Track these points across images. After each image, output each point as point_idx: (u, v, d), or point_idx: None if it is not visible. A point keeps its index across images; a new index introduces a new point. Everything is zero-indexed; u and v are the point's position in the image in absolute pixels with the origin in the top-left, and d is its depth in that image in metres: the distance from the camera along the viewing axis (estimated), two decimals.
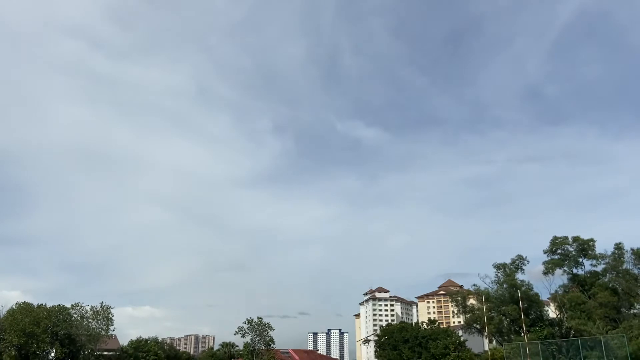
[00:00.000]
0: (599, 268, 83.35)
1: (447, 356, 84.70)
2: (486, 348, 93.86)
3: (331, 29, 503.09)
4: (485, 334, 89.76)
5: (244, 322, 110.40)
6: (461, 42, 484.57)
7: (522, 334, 77.38)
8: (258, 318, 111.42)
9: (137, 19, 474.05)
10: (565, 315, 78.61)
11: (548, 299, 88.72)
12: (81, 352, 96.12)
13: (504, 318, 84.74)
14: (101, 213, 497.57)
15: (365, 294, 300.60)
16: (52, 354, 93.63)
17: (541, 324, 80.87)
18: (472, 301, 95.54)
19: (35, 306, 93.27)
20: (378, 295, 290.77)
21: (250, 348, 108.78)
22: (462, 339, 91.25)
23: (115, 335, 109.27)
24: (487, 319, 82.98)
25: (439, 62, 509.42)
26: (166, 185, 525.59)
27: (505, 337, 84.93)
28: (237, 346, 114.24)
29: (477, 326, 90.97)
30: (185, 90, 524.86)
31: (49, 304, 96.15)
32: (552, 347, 71.90)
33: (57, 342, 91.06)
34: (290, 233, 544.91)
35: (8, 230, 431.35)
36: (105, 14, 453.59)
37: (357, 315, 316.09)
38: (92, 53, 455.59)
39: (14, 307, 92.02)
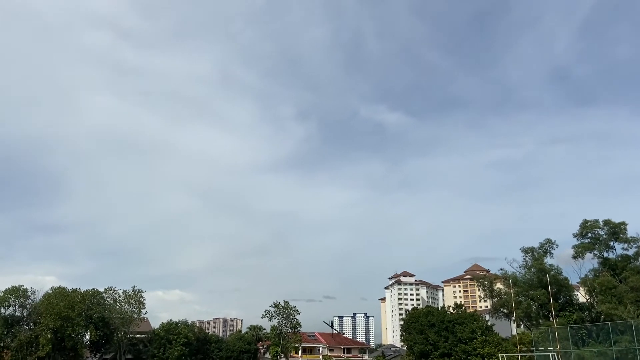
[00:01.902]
0: (631, 252, 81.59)
1: (474, 340, 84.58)
2: (514, 332, 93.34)
3: (354, 12, 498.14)
4: (513, 318, 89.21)
5: (271, 306, 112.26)
6: (487, 22, 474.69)
7: (551, 319, 76.64)
8: (284, 302, 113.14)
9: (162, 8, 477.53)
10: (596, 300, 77.45)
11: (578, 283, 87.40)
12: (115, 334, 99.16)
13: (532, 302, 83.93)
14: (131, 200, 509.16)
15: (390, 278, 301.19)
16: (87, 337, 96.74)
17: (570, 309, 79.91)
18: (499, 285, 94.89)
19: (70, 290, 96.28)
20: (403, 279, 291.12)
21: (277, 331, 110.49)
22: (489, 323, 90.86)
23: (147, 319, 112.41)
24: (514, 304, 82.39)
25: (464, 43, 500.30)
26: (193, 172, 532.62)
27: (534, 322, 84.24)
28: (265, 329, 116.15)
29: (505, 311, 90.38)
30: (210, 78, 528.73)
31: (83, 289, 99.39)
32: (581, 332, 71.16)
33: (92, 325, 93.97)
34: (314, 218, 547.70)
35: (43, 217, 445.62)
36: (131, 5, 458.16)
37: (383, 300, 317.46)
38: (119, 43, 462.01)
39: (50, 291, 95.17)
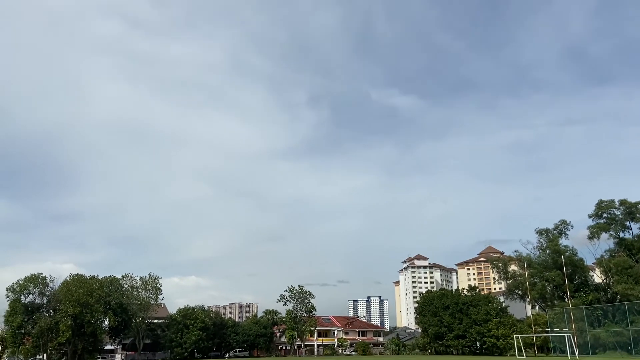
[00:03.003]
0: None
1: (489, 322, 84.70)
2: (529, 314, 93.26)
3: None
4: (528, 300, 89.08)
5: (286, 291, 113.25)
6: (499, 2, 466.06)
7: (566, 300, 76.41)
8: (299, 286, 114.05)
9: None
10: (612, 280, 76.93)
11: (593, 264, 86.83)
12: (133, 320, 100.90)
13: (547, 284, 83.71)
14: (146, 188, 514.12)
15: (404, 262, 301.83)
16: (106, 323, 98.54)
17: (586, 289, 79.56)
18: (513, 267, 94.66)
19: (88, 278, 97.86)
20: (417, 262, 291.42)
21: (293, 315, 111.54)
22: (503, 305, 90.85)
23: (164, 304, 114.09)
24: (529, 285, 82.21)
25: (475, 25, 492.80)
26: (206, 159, 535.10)
27: (549, 303, 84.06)
28: (280, 313, 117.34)
29: (519, 292, 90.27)
30: (221, 65, 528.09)
31: (101, 276, 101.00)
32: (597, 312, 70.87)
33: (110, 311, 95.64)
34: (328, 203, 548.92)
35: (60, 207, 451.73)
36: None
37: (397, 283, 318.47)
38: (130, 32, 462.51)
39: (68, 279, 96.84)
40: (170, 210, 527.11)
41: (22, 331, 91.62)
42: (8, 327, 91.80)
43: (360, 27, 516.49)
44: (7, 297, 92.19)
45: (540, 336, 76.02)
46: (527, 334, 76.41)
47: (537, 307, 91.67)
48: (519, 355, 71.27)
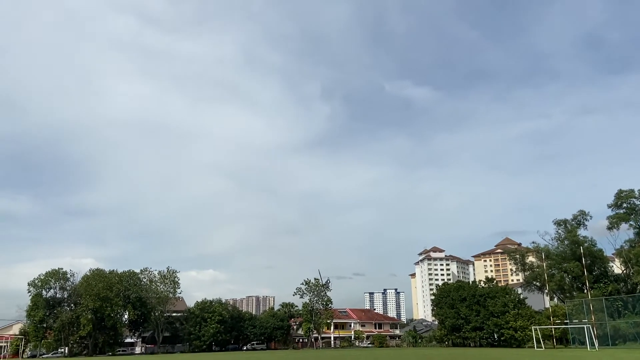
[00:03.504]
0: None
1: (506, 314, 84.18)
2: (547, 305, 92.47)
3: None
4: (546, 291, 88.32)
5: (302, 284, 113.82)
6: None
7: (585, 291, 75.56)
8: (315, 279, 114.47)
9: None
10: (632, 271, 75.86)
11: (613, 254, 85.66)
12: (152, 313, 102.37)
13: (565, 275, 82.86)
14: (163, 183, 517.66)
15: (420, 254, 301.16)
16: (126, 316, 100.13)
17: (605, 280, 78.60)
18: (531, 259, 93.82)
19: (108, 272, 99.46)
20: (433, 255, 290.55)
21: (309, 308, 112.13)
22: (521, 296, 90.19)
23: (182, 298, 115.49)
24: (547, 276, 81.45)
25: (489, 14, 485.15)
26: (221, 154, 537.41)
27: (567, 294, 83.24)
28: (297, 306, 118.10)
29: (537, 284, 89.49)
30: (235, 60, 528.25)
31: (120, 270, 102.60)
32: (617, 303, 69.99)
33: (130, 305, 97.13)
34: (343, 196, 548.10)
35: (79, 202, 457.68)
36: None
37: (413, 275, 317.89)
38: (144, 28, 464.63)
39: (88, 273, 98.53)
40: (186, 204, 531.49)
41: (44, 325, 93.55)
42: (30, 322, 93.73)
43: (373, 18, 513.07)
44: (29, 292, 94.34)
45: (559, 328, 75.31)
46: (545, 325, 75.81)
47: (555, 299, 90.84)
48: (537, 347, 70.80)
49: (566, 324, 73.32)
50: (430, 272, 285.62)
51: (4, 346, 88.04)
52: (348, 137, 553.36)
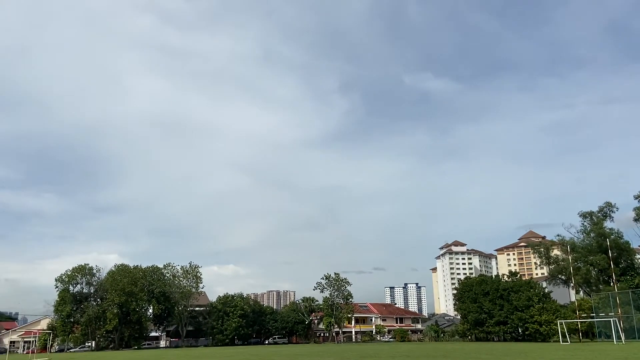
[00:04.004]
0: None
1: (531, 308, 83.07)
2: (572, 299, 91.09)
3: None
4: (572, 285, 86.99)
5: (322, 278, 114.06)
6: None
7: (612, 284, 74.25)
8: (335, 274, 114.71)
9: None
10: None
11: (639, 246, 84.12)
12: (175, 308, 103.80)
13: (591, 268, 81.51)
14: (184, 180, 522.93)
15: (441, 248, 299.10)
16: (150, 311, 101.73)
17: (632, 273, 77.14)
18: (556, 252, 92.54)
19: (132, 267, 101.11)
20: (454, 249, 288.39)
21: (330, 302, 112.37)
22: (546, 290, 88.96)
23: (204, 292, 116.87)
24: (573, 270, 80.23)
25: (510, 3, 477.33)
26: (241, 149, 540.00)
27: (594, 288, 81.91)
28: (317, 301, 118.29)
29: (563, 277, 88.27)
30: (252, 55, 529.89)
31: (143, 265, 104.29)
32: None
33: (154, 300, 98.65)
34: (362, 190, 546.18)
35: (103, 199, 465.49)
36: None
37: (434, 269, 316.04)
38: (163, 26, 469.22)
39: (113, 269, 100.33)
40: (207, 200, 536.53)
41: (72, 320, 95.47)
42: (58, 316, 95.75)
43: (391, 10, 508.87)
44: (57, 287, 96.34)
45: (585, 321, 74.19)
46: (571, 319, 74.68)
47: (581, 292, 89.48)
48: (563, 341, 69.71)
49: (592, 317, 72.17)
50: (451, 266, 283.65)
51: (33, 341, 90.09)
52: (367, 131, 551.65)
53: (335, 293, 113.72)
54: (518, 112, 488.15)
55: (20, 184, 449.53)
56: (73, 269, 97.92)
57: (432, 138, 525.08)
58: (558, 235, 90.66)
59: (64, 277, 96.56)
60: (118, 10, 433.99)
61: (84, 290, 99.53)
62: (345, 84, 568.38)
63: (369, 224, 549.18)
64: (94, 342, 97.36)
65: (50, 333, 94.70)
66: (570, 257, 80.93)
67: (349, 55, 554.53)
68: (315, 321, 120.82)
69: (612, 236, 78.19)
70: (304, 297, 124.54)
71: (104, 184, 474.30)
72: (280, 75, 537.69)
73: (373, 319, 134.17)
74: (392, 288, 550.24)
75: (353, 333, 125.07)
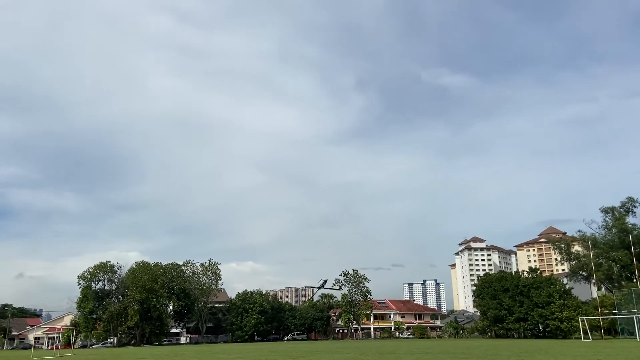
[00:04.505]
0: None
1: (552, 305, 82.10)
2: (594, 295, 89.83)
3: None
4: (593, 281, 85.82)
5: (340, 275, 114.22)
6: None
7: (635, 280, 73.06)
8: (353, 270, 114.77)
9: None
10: None
11: None
12: (195, 304, 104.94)
13: (613, 264, 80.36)
14: (202, 178, 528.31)
15: (460, 244, 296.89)
16: (171, 307, 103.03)
17: None
18: (577, 248, 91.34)
19: (152, 265, 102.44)
20: (473, 245, 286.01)
21: (348, 299, 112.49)
22: (567, 287, 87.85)
23: (223, 289, 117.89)
24: (594, 266, 79.13)
25: None
26: (259, 147, 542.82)
27: (616, 284, 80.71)
28: (335, 297, 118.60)
29: (584, 273, 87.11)
30: (269, 53, 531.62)
31: (164, 263, 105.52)
32: None
33: (174, 297, 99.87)
34: (380, 187, 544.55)
35: (123, 197, 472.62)
36: None
37: (453, 266, 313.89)
38: (180, 25, 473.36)
39: (134, 266, 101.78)
40: (226, 198, 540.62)
41: (94, 316, 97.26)
42: (81, 313, 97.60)
43: (407, 5, 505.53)
44: (79, 284, 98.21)
45: (607, 318, 73.14)
46: (592, 316, 73.69)
47: (603, 289, 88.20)
48: (584, 338, 68.85)
49: (614, 314, 71.14)
50: (470, 262, 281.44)
51: (57, 337, 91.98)
52: (384, 127, 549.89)
53: (354, 289, 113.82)
54: (537, 107, 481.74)
55: (42, 183, 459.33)
56: (95, 266, 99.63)
57: (450, 134, 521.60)
58: (579, 231, 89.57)
59: (86, 274, 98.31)
60: (137, 10, 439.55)
61: (106, 287, 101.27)
62: (362, 80, 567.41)
63: (387, 220, 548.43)
64: (115, 339, 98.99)
65: (73, 329, 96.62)
66: (591, 253, 79.88)
67: (365, 52, 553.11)
68: (334, 318, 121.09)
69: (634, 232, 77.00)
70: (322, 294, 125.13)
71: (124, 182, 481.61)
72: (298, 73, 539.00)
73: (392, 316, 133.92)
74: (410, 284, 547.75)
75: (372, 329, 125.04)
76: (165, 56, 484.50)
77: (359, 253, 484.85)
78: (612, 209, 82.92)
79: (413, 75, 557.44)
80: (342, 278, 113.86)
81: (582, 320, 71.21)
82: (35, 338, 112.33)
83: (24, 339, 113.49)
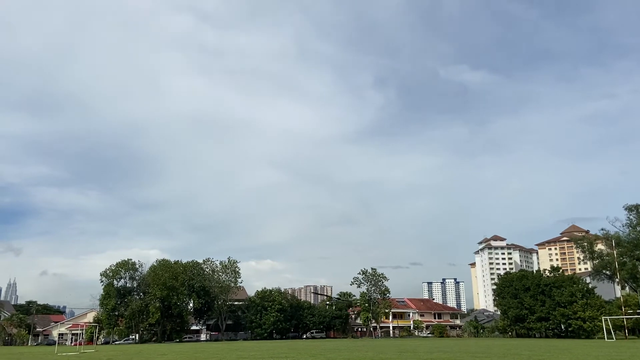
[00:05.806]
0: None
1: (574, 304, 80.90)
2: (618, 295, 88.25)
3: None
4: (617, 280, 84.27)
5: (359, 273, 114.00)
6: None
7: None
8: (372, 269, 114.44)
9: None
10: None
11: None
12: (215, 302, 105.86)
13: (638, 263, 78.80)
14: (221, 177, 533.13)
15: (480, 243, 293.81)
16: (191, 305, 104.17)
17: None
18: (600, 246, 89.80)
19: (173, 262, 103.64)
20: (494, 243, 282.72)
21: (367, 297, 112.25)
22: (590, 286, 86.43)
23: (243, 287, 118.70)
24: (618, 265, 77.73)
25: None
26: (276, 146, 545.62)
27: None
28: (354, 296, 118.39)
29: (607, 272, 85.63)
30: (288, 52, 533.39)
31: (184, 261, 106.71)
32: None
33: (194, 294, 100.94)
34: (398, 185, 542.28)
35: (144, 196, 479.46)
36: None
37: (472, 265, 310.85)
38: (200, 25, 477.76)
39: (155, 264, 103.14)
40: (245, 196, 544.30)
41: (116, 313, 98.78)
42: (103, 310, 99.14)
43: (425, 2, 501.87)
44: (102, 281, 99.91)
45: (632, 318, 71.80)
46: (616, 315, 72.39)
47: (627, 288, 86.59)
48: (608, 338, 67.69)
49: (639, 314, 69.77)
50: (491, 261, 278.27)
51: (80, 333, 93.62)
52: (402, 125, 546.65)
53: (372, 288, 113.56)
54: (558, 103, 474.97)
55: (65, 182, 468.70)
56: (117, 264, 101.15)
57: (470, 131, 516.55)
58: (602, 229, 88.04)
59: (108, 271, 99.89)
60: (158, 11, 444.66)
61: (128, 284, 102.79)
62: (381, 78, 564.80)
63: (406, 218, 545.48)
64: (137, 335, 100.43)
65: (96, 326, 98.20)
66: (615, 252, 78.48)
67: (383, 50, 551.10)
68: (353, 316, 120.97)
69: None
70: (341, 292, 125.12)
71: (145, 181, 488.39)
72: (316, 71, 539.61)
73: (411, 314, 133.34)
74: (429, 283, 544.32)
75: (391, 328, 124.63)
76: (186, 56, 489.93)
77: (378, 251, 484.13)
78: (637, 206, 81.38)
79: (432, 73, 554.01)
80: (360, 276, 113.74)
81: (606, 320, 70.03)
82: (59, 334, 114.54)
83: (48, 335, 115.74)
